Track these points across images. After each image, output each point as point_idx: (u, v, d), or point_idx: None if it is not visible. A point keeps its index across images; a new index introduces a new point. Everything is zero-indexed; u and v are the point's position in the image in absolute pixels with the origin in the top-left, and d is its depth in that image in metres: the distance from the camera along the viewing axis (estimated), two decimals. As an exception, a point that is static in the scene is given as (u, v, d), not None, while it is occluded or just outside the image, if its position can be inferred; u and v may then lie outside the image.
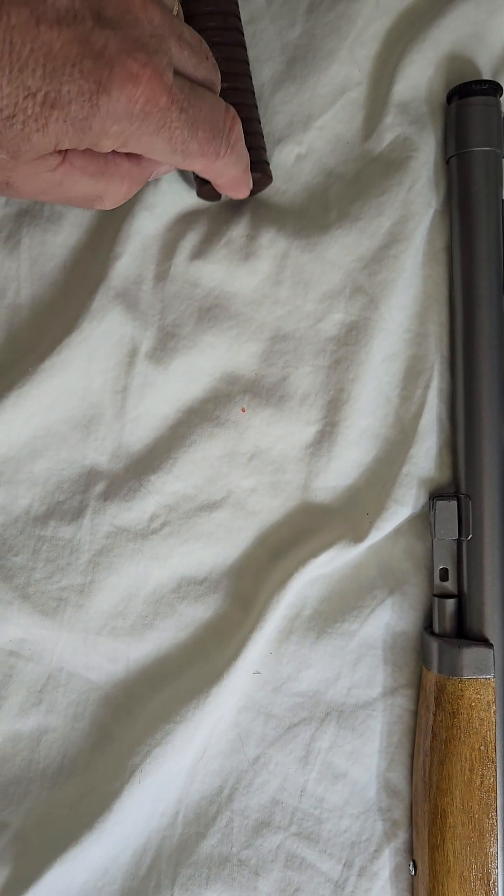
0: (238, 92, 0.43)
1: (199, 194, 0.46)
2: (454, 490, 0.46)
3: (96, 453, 0.47)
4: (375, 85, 0.48)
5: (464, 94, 0.46)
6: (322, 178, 0.48)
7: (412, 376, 0.47)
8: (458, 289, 0.46)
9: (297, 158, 0.48)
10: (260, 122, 0.45)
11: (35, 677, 0.46)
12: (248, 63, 0.44)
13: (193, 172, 0.45)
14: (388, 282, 0.46)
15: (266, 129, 0.48)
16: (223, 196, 0.46)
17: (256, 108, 0.45)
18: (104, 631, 0.46)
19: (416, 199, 0.47)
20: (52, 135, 0.31)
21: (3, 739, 0.46)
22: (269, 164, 0.45)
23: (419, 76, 0.48)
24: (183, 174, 0.47)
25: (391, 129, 0.47)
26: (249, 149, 0.43)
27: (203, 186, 0.45)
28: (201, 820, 0.45)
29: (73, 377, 0.47)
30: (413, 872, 0.45)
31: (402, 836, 0.46)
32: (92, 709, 0.46)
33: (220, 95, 0.38)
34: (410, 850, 0.45)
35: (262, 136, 0.45)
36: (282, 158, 0.48)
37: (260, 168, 0.45)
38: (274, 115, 0.48)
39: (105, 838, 0.43)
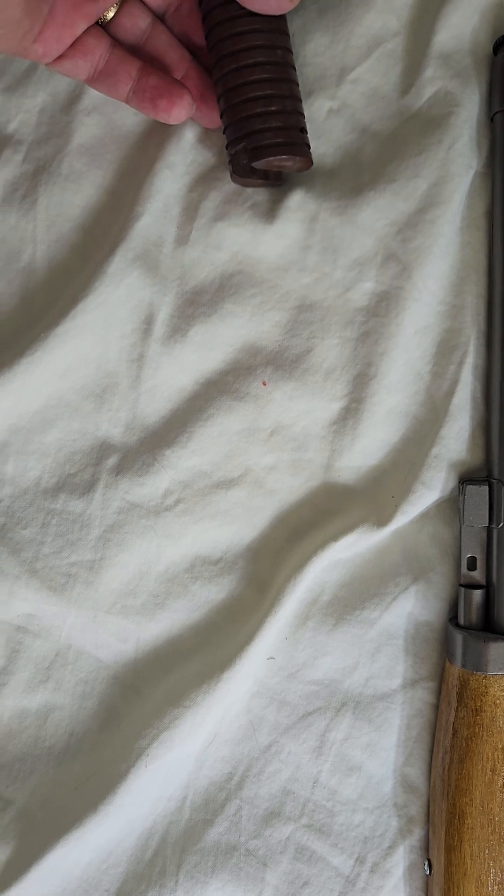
0: (278, 66, 0.39)
1: (249, 160, 0.41)
2: (486, 475, 0.43)
3: (110, 425, 0.45)
4: (415, 35, 0.45)
5: (512, 45, 0.42)
6: (356, 136, 0.45)
7: (446, 351, 0.44)
8: (497, 258, 0.42)
9: (328, 114, 0.45)
10: (301, 101, 0.42)
11: (43, 654, 0.45)
12: (288, 35, 0.41)
13: (230, 152, 0.41)
14: (424, 249, 0.43)
15: None
16: (260, 180, 0.43)
17: (297, 84, 0.42)
18: (114, 609, 0.45)
19: (457, 160, 0.43)
20: None
21: (10, 715, 0.45)
22: (309, 147, 0.41)
23: (463, 25, 0.44)
24: (208, 139, 0.45)
25: (431, 83, 0.44)
26: (287, 127, 0.40)
27: (239, 165, 0.41)
28: (209, 806, 0.44)
29: (87, 344, 0.44)
30: (428, 872, 0.43)
31: (417, 834, 0.44)
32: (100, 688, 0.45)
33: (257, 68, 0.39)
34: (426, 849, 0.43)
35: (304, 116, 0.41)
36: (312, 113, 0.45)
37: (299, 150, 0.40)
38: (304, 67, 0.45)
39: (109, 821, 0.42)
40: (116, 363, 0.45)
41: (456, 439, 0.43)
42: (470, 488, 0.42)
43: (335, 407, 0.44)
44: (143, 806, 0.43)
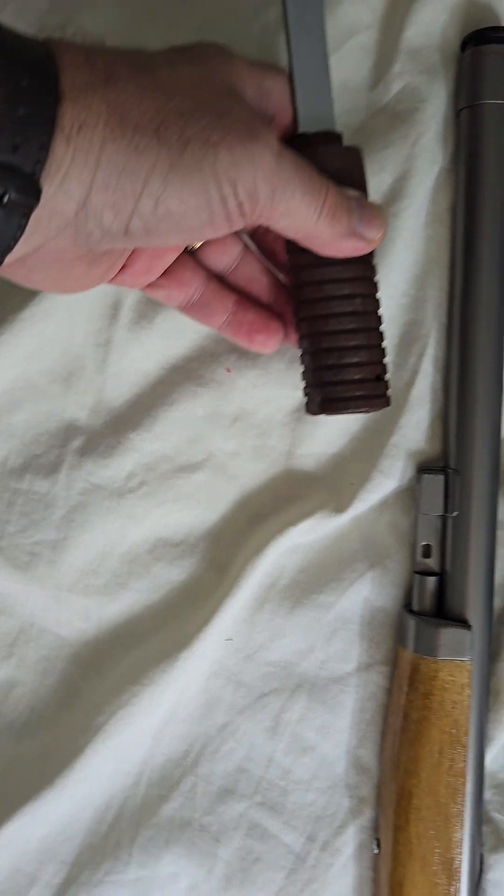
0: (355, 316, 0.38)
1: (319, 410, 0.39)
2: (443, 464, 0.44)
3: (76, 407, 0.46)
4: (386, 29, 0.45)
5: (480, 42, 0.43)
6: None
7: (407, 343, 0.45)
8: (458, 252, 0.43)
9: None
10: (380, 346, 0.39)
11: (6, 630, 0.46)
12: (372, 279, 0.38)
13: (304, 390, 0.40)
14: (388, 242, 0.44)
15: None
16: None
17: (378, 329, 0.39)
18: (76, 588, 0.45)
19: (422, 155, 0.44)
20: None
21: None
22: (384, 394, 0.39)
23: (432, 21, 0.44)
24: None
25: (400, 78, 0.44)
26: (361, 380, 0.38)
27: (313, 405, 0.39)
28: (165, 783, 0.45)
29: (54, 327, 0.45)
30: (376, 851, 0.44)
31: (368, 814, 0.45)
32: (61, 666, 0.46)
33: (332, 319, 0.37)
34: (376, 829, 0.44)
35: (382, 362, 0.39)
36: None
37: (369, 402, 0.38)
38: (275, 57, 0.45)
39: (66, 795, 0.43)
40: (83, 347, 0.45)
41: (415, 429, 0.44)
42: (426, 477, 0.43)
43: (297, 395, 0.45)
44: (100, 781, 0.44)
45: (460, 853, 0.41)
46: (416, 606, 0.43)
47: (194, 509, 0.46)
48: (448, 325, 0.44)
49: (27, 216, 0.28)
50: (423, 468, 0.43)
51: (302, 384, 0.40)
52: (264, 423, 0.46)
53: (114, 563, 0.46)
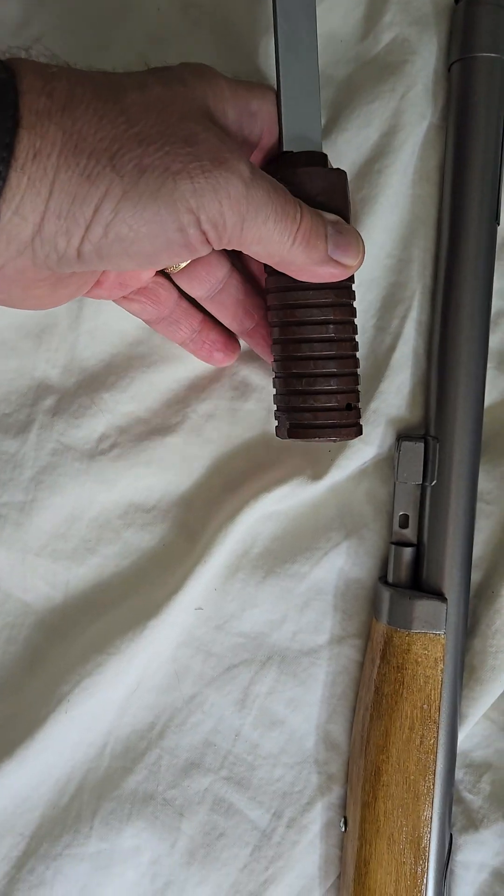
0: (327, 343, 0.37)
1: (288, 436, 0.38)
2: (423, 432, 0.42)
3: (47, 365, 0.44)
4: (378, -22, 0.44)
5: (474, -7, 0.41)
6: None
7: (390, 306, 0.43)
8: (445, 212, 0.42)
9: (255, 50, 0.43)
10: (355, 374, 0.38)
11: None
12: (350, 304, 0.38)
13: (275, 413, 0.40)
14: (371, 199, 0.42)
15: (249, 19, 0.43)
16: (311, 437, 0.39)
17: (353, 356, 0.38)
18: (44, 552, 0.44)
19: (410, 109, 0.42)
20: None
21: None
22: (355, 424, 0.38)
23: None
24: None
25: (389, 29, 0.43)
26: (328, 409, 0.37)
27: (282, 428, 0.39)
28: (129, 755, 0.43)
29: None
30: (343, 829, 0.42)
31: (336, 791, 0.44)
32: (26, 633, 0.44)
33: (303, 344, 0.37)
34: (344, 806, 0.43)
35: (355, 390, 0.38)
36: (265, 53, 0.43)
37: (337, 432, 0.38)
38: (258, 4, 0.44)
39: (26, 766, 0.41)
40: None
41: (396, 395, 0.43)
42: (406, 444, 0.41)
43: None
44: (62, 752, 0.43)
45: (429, 832, 0.40)
46: (391, 578, 0.42)
47: (167, 473, 0.44)
48: (433, 287, 0.43)
49: None
50: (403, 435, 0.42)
51: (273, 407, 0.40)
52: (242, 385, 0.44)
53: (83, 527, 0.44)
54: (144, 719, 0.43)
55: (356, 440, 0.42)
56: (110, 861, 0.42)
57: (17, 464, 0.44)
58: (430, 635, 0.40)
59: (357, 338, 0.38)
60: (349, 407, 0.38)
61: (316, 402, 0.37)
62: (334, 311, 0.36)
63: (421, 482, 0.41)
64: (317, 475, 0.43)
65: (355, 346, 0.38)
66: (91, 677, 0.41)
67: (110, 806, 0.43)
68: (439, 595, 0.40)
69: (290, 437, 0.38)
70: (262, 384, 0.44)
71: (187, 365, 0.44)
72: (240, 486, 0.44)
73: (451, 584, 0.41)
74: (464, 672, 0.42)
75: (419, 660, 0.40)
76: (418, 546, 0.42)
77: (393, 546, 0.42)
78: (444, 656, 0.40)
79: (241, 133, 0.35)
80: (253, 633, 0.44)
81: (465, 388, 0.41)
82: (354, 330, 0.38)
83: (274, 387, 0.39)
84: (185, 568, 0.43)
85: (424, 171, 0.43)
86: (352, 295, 0.37)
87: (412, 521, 0.42)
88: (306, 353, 0.37)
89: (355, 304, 0.38)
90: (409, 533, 0.42)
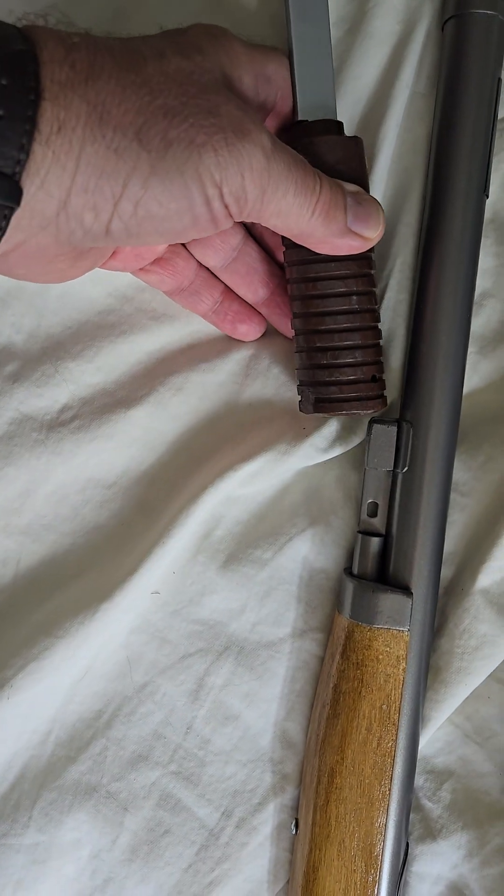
0: (351, 315, 0.36)
1: (313, 410, 0.38)
2: (398, 416, 0.40)
3: (12, 329, 0.42)
4: None
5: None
6: None
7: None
8: (430, 183, 0.39)
9: (271, 20, 0.41)
10: (378, 345, 0.38)
11: None
12: (370, 276, 0.37)
13: (298, 389, 0.39)
14: None
15: None
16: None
17: (376, 327, 0.38)
18: None
19: (396, 77, 0.40)
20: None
21: None
22: (380, 395, 0.38)
23: None
24: None
25: None
26: (354, 381, 0.37)
27: (306, 403, 0.38)
28: (74, 744, 0.41)
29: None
30: (294, 832, 0.40)
31: (290, 793, 0.41)
32: None
33: (326, 317, 0.36)
34: (298, 809, 0.41)
35: (379, 362, 0.38)
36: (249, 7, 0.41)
37: (363, 404, 0.37)
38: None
39: None
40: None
41: (371, 375, 0.40)
42: (377, 427, 0.39)
43: (253, 332, 0.42)
44: (4, 739, 0.40)
45: (382, 840, 0.37)
46: (356, 569, 0.40)
47: (130, 448, 0.42)
48: (413, 264, 0.40)
49: (7, 218, 0.28)
50: (376, 418, 0.39)
51: (296, 381, 0.39)
52: (216, 358, 0.42)
53: (38, 501, 0.42)
54: (92, 707, 0.41)
55: (332, 421, 0.40)
56: (48, 854, 0.40)
57: None
58: (394, 631, 0.38)
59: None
60: (374, 378, 0.37)
61: (341, 375, 0.37)
62: (357, 282, 0.36)
63: (392, 469, 0.39)
64: (287, 453, 0.40)
65: (377, 317, 0.37)
66: (37, 661, 0.39)
67: (51, 796, 0.40)
68: (405, 589, 0.38)
69: (315, 411, 0.37)
70: (237, 357, 0.42)
71: (158, 337, 0.42)
72: (204, 465, 0.42)
73: (418, 578, 0.38)
74: (428, 673, 0.39)
75: (380, 657, 0.38)
76: (386, 537, 0.39)
77: (360, 535, 0.40)
78: (407, 654, 0.38)
79: (256, 99, 0.34)
80: (211, 620, 0.42)
81: (443, 372, 0.38)
82: (376, 300, 0.37)
83: (296, 361, 0.38)
84: (143, 549, 0.40)
85: (412, 141, 0.41)
86: (372, 265, 0.37)
87: (381, 510, 0.39)
88: (330, 326, 0.36)
89: None
90: (378, 522, 0.40)
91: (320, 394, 0.37)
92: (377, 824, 0.37)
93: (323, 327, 0.36)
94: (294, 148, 0.33)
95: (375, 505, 0.40)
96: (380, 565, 0.39)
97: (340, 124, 0.36)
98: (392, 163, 0.41)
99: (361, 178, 0.35)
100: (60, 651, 0.39)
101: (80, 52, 0.28)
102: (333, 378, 0.37)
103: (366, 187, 0.35)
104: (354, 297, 0.36)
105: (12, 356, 0.42)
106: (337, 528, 0.42)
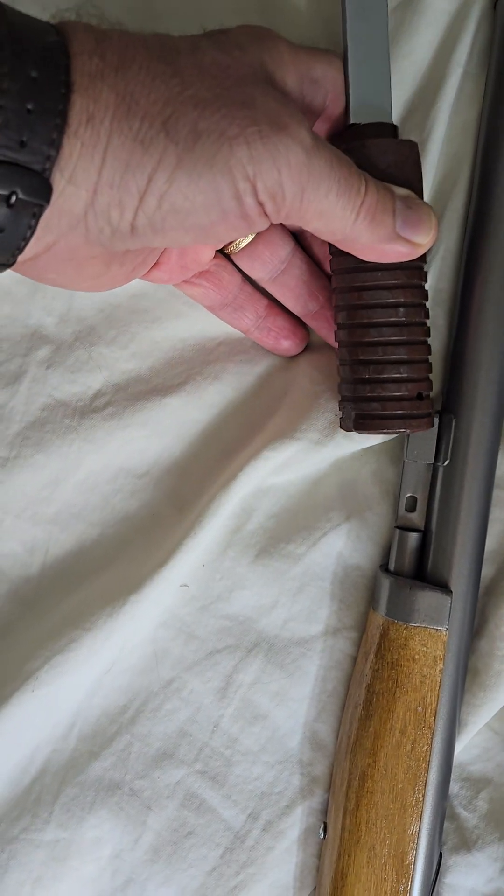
0: (398, 328, 0.34)
1: (353, 427, 0.36)
2: (439, 407, 0.39)
3: (43, 312, 0.41)
4: None
5: None
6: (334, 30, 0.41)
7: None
8: (477, 168, 0.38)
9: (324, 23, 0.40)
10: (426, 360, 0.36)
11: None
12: (421, 287, 0.35)
13: (340, 405, 0.37)
14: None
15: None
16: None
17: (425, 342, 0.35)
18: (24, 515, 0.41)
19: (445, 59, 0.39)
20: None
21: None
22: (426, 413, 0.35)
23: None
24: None
25: None
26: (398, 398, 0.34)
27: (347, 420, 0.36)
28: (97, 739, 0.40)
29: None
30: (322, 836, 0.39)
31: (319, 796, 0.40)
32: None
33: (371, 329, 0.34)
34: (327, 813, 0.39)
35: (426, 378, 0.35)
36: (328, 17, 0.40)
37: (406, 423, 0.35)
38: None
39: None
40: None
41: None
42: (418, 419, 0.37)
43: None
44: (26, 731, 0.39)
45: (415, 848, 0.36)
46: (393, 565, 0.38)
47: (163, 438, 0.41)
48: (457, 252, 0.39)
49: (37, 217, 0.27)
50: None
51: (338, 395, 0.37)
52: (252, 349, 0.41)
53: (68, 490, 0.41)
54: (117, 702, 0.40)
55: None
56: (68, 851, 0.39)
57: (4, 417, 0.41)
58: (431, 630, 0.36)
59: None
60: (420, 396, 0.35)
61: (384, 391, 0.34)
62: (405, 293, 0.34)
63: (432, 462, 0.37)
64: (322, 444, 0.39)
65: (427, 332, 0.35)
66: (63, 654, 0.38)
67: (73, 792, 0.39)
68: (444, 587, 0.37)
69: (356, 429, 0.35)
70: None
71: (193, 323, 0.41)
72: (238, 455, 0.40)
73: (458, 576, 0.37)
74: (466, 675, 0.38)
75: (416, 656, 0.36)
76: (425, 532, 0.38)
77: (397, 530, 0.38)
78: (444, 655, 0.36)
79: (302, 101, 0.33)
80: (240, 616, 0.40)
81: (488, 362, 0.37)
82: (426, 314, 0.35)
83: (339, 374, 0.36)
84: (173, 541, 0.39)
85: (462, 125, 0.39)
86: (424, 276, 0.35)
87: (420, 505, 0.38)
88: (374, 339, 0.34)
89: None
90: (416, 517, 0.38)
91: (361, 410, 0.35)
92: (410, 831, 0.36)
93: (367, 339, 0.34)
94: (345, 152, 0.31)
95: (414, 499, 0.38)
96: (418, 562, 0.38)
97: (395, 128, 0.34)
98: (440, 146, 0.39)
99: (414, 184, 0.33)
100: (87, 644, 0.38)
101: (111, 42, 0.28)
102: (376, 394, 0.34)
103: (419, 193, 0.33)
104: (402, 309, 0.34)
105: (45, 340, 0.41)
106: (373, 524, 0.40)
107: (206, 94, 0.28)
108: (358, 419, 0.35)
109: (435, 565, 0.37)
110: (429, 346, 0.35)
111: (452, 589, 0.37)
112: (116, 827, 0.39)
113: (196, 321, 0.41)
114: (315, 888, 0.39)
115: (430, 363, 0.36)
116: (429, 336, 0.35)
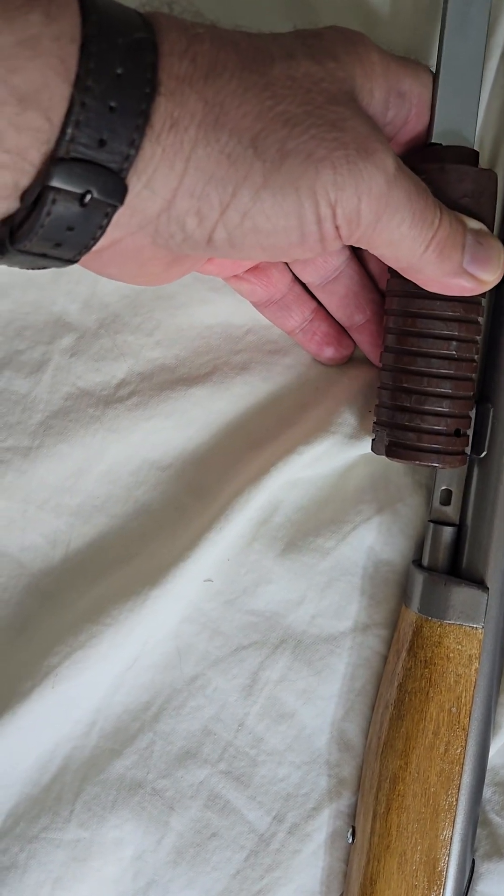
0: (446, 361, 0.33)
1: (385, 453, 0.35)
2: (478, 396, 0.37)
3: (66, 299, 0.40)
4: None
5: None
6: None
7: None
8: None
9: (413, 31, 0.39)
10: (470, 398, 0.35)
11: None
12: (476, 322, 0.34)
13: (374, 427, 0.36)
14: None
15: None
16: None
17: (471, 379, 0.35)
18: (47, 506, 0.40)
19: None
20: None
21: None
22: (461, 451, 0.35)
23: None
24: None
25: None
26: (435, 432, 0.34)
27: (379, 444, 0.36)
28: (119, 736, 0.39)
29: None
30: (350, 840, 0.37)
31: (347, 798, 0.39)
32: (18, 598, 0.40)
33: (419, 358, 0.33)
34: (354, 816, 0.38)
35: (467, 416, 0.35)
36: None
37: (439, 458, 0.34)
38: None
39: (6, 742, 0.37)
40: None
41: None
42: (453, 409, 0.36)
43: (321, 309, 0.39)
44: (46, 728, 0.38)
45: (447, 854, 0.34)
46: (426, 561, 0.37)
47: (188, 428, 0.40)
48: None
49: (109, 217, 0.26)
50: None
51: (373, 417, 0.36)
52: (281, 338, 0.40)
53: (91, 481, 0.40)
54: (139, 699, 0.39)
55: None
56: (89, 851, 0.38)
57: (28, 406, 0.40)
58: (466, 628, 0.35)
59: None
60: (457, 433, 0.34)
61: (423, 422, 0.33)
62: (461, 327, 0.33)
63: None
64: (354, 436, 0.38)
65: (475, 369, 0.34)
66: (83, 650, 0.37)
67: (94, 790, 0.38)
68: (480, 584, 0.35)
69: (387, 455, 0.34)
70: None
71: (219, 310, 0.40)
72: (265, 447, 0.39)
73: (495, 572, 0.36)
74: (502, 675, 0.37)
75: (451, 655, 0.35)
76: (460, 526, 0.37)
77: (431, 524, 0.37)
78: (479, 654, 0.35)
79: (385, 114, 0.32)
80: (267, 612, 0.39)
81: (527, 350, 0.36)
82: (478, 350, 0.34)
83: (378, 397, 0.35)
84: (196, 534, 0.38)
85: None
86: (482, 311, 0.34)
87: (455, 498, 0.37)
88: (421, 368, 0.33)
89: None
90: (451, 511, 0.37)
91: (396, 437, 0.34)
92: (442, 837, 0.34)
93: (413, 368, 0.33)
94: (420, 172, 0.30)
95: (449, 492, 0.37)
96: (452, 557, 0.37)
97: (476, 154, 0.33)
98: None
99: (488, 216, 0.32)
100: (108, 639, 0.37)
101: (203, 45, 0.27)
102: (413, 424, 0.33)
103: (491, 226, 0.32)
104: (454, 343, 0.33)
105: (68, 328, 0.40)
106: (405, 517, 0.39)
107: (297, 110, 0.27)
108: (391, 446, 0.34)
109: (470, 561, 0.36)
110: (474, 382, 0.34)
111: (489, 585, 0.35)
112: (138, 827, 0.38)
113: (222, 307, 0.40)
114: (342, 894, 0.38)
115: (474, 402, 0.35)
116: (476, 372, 0.34)
